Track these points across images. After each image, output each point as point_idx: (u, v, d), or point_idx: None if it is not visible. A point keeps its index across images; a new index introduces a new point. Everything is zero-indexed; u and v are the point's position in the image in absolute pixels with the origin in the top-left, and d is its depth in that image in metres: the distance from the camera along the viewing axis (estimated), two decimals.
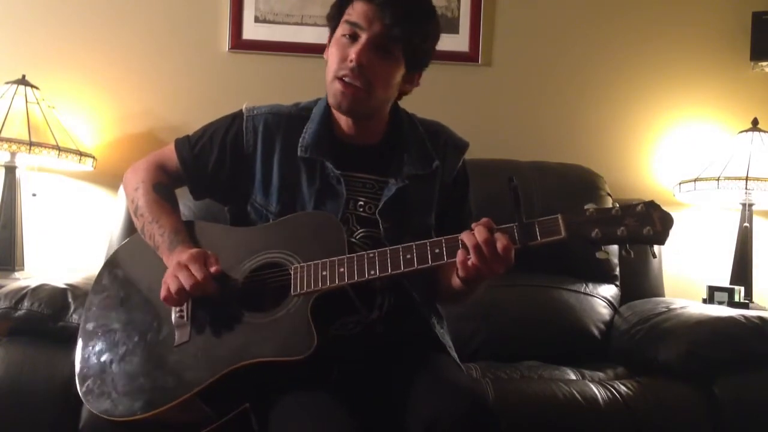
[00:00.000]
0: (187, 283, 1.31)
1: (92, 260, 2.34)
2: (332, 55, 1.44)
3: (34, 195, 2.44)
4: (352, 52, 1.39)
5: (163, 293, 1.34)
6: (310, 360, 1.24)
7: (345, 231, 1.37)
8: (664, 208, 1.24)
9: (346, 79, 1.40)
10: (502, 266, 1.25)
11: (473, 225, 1.27)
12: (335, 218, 1.40)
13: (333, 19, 1.46)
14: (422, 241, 1.31)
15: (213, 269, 1.33)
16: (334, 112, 1.50)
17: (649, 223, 1.22)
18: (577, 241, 1.24)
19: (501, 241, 1.23)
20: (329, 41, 1.49)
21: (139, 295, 1.44)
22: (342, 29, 1.42)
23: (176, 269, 1.33)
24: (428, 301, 1.53)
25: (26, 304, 1.73)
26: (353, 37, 1.41)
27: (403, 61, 1.44)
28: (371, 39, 1.39)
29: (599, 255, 1.25)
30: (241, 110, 1.54)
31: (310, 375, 1.28)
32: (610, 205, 1.25)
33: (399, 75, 1.45)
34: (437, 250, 1.29)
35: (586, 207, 1.25)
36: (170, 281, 1.33)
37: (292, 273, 1.34)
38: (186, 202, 1.70)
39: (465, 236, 1.26)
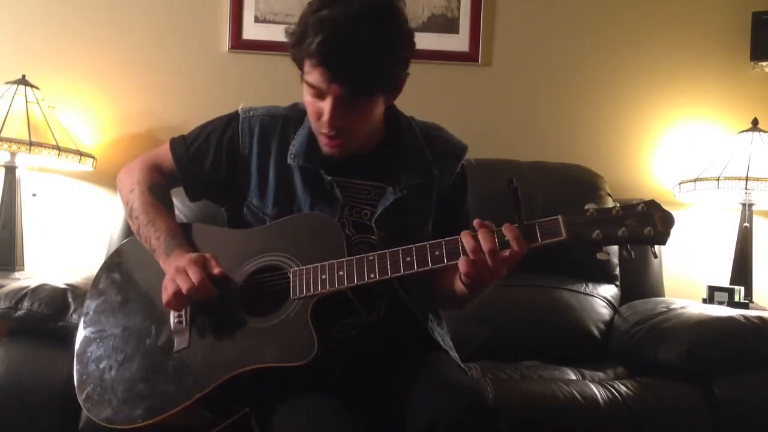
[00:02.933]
0: (184, 287, 1.29)
1: (92, 260, 2.33)
2: (307, 103, 1.37)
3: (34, 195, 2.44)
4: (325, 114, 1.32)
5: (165, 298, 1.33)
6: (311, 365, 1.24)
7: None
8: (665, 207, 1.23)
9: (327, 137, 1.36)
10: (504, 268, 1.24)
11: (476, 226, 1.24)
12: (333, 220, 1.38)
13: (294, 59, 1.35)
14: (422, 244, 1.28)
15: (216, 271, 1.32)
16: None
17: (650, 223, 1.20)
18: (578, 242, 1.22)
19: None
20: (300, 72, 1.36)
21: (137, 300, 1.43)
22: (305, 82, 1.33)
23: (175, 273, 1.31)
24: (425, 306, 1.50)
25: (26, 304, 1.73)
26: (319, 94, 1.32)
27: (380, 96, 1.36)
28: (337, 99, 1.30)
29: (600, 256, 1.23)
30: (237, 111, 1.51)
31: (310, 378, 1.27)
32: (611, 205, 1.23)
33: (378, 107, 1.39)
34: (437, 253, 1.26)
35: (586, 207, 1.23)
36: (169, 286, 1.32)
37: (291, 276, 1.33)
38: (180, 204, 1.69)
39: (466, 238, 1.24)
